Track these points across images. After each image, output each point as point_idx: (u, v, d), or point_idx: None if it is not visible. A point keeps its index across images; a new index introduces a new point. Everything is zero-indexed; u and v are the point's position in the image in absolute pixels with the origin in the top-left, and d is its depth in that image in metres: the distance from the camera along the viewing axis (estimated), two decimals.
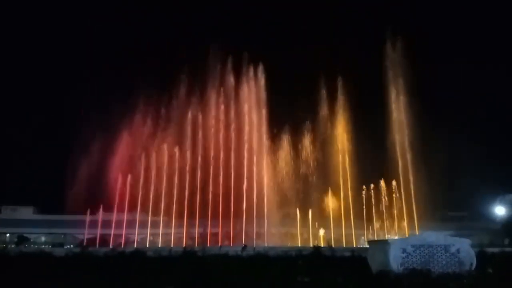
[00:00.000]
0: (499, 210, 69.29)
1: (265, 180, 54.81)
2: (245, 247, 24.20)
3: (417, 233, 45.98)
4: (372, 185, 55.89)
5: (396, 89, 57.41)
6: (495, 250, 23.37)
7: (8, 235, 70.89)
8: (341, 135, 57.41)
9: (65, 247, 54.05)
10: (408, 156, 54.16)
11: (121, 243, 52.29)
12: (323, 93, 58.59)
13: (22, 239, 63.95)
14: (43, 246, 59.31)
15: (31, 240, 66.62)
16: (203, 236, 53.01)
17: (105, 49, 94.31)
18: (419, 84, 55.71)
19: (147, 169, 55.30)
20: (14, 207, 74.06)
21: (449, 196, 59.23)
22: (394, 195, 55.11)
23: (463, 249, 15.59)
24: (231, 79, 58.05)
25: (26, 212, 73.29)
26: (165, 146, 56.06)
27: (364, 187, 56.13)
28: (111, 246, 43.10)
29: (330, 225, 54.80)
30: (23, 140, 78.97)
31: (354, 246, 47.71)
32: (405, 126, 55.58)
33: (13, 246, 50.74)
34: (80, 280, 14.42)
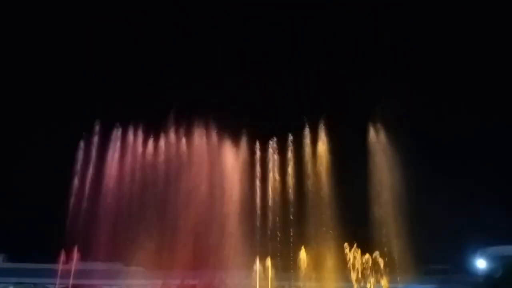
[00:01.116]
0: (480, 264, 69.26)
1: (244, 231, 54.19)
2: None
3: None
4: (354, 241, 55.64)
5: (380, 139, 58.65)
6: None
7: None
8: (323, 184, 57.59)
9: None
10: (391, 210, 54.41)
11: None
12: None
13: None
14: None
15: None
16: None
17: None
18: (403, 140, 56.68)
19: (127, 217, 54.14)
20: None
21: (432, 249, 59.04)
22: (377, 249, 54.83)
23: None
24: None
25: None
26: (142, 189, 55.36)
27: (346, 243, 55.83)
28: None
29: (312, 277, 53.68)
30: None
31: None
32: (388, 179, 56.24)
33: None
34: None
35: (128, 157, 57.23)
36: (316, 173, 58.00)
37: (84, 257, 52.87)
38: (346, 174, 56.41)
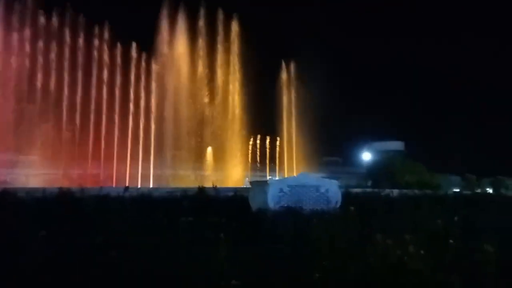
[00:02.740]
0: (366, 156, 78.60)
1: (153, 121, 53.90)
2: (127, 188, 23.65)
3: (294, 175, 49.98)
4: (258, 135, 59.46)
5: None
6: (359, 190, 26.50)
7: None
8: (233, 89, 58.07)
9: None
10: (290, 109, 58.33)
11: None
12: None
13: None
14: None
15: None
16: (83, 178, 50.36)
17: None
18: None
19: (22, 101, 49.91)
20: None
21: (326, 144, 65.00)
22: (276, 142, 59.60)
23: (331, 189, 17.39)
24: None
25: None
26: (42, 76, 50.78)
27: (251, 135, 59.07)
28: None
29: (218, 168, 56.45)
30: None
31: (238, 186, 50.06)
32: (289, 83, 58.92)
33: None
34: None
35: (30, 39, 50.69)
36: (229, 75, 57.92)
37: None
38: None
